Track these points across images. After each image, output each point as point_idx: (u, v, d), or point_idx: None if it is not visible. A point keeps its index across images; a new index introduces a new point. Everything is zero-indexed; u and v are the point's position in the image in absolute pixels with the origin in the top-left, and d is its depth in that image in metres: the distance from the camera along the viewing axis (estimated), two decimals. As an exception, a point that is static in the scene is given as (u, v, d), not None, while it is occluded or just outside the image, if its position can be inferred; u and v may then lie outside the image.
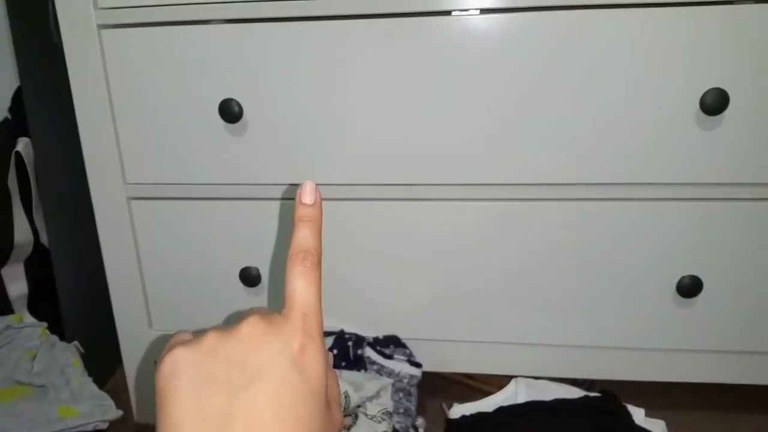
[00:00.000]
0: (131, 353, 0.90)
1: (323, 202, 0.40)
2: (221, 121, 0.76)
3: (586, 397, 0.74)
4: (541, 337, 0.82)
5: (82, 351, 0.80)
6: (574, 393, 0.75)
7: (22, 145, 0.84)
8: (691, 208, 0.74)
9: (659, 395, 0.85)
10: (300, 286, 0.34)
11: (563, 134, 0.72)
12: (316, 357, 0.31)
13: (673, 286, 0.77)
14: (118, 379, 0.93)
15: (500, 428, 0.72)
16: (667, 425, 0.74)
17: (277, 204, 0.80)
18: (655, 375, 0.81)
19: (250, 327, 0.31)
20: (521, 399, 0.75)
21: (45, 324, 0.80)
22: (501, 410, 0.73)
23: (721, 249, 0.75)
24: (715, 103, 0.68)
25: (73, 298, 0.92)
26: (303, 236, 0.36)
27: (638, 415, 0.72)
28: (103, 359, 0.80)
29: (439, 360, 0.85)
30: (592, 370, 0.82)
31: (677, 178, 0.73)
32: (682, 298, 0.77)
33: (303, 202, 0.38)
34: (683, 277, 0.76)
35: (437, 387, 0.96)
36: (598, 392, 0.76)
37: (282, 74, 0.74)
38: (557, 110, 0.71)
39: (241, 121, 0.76)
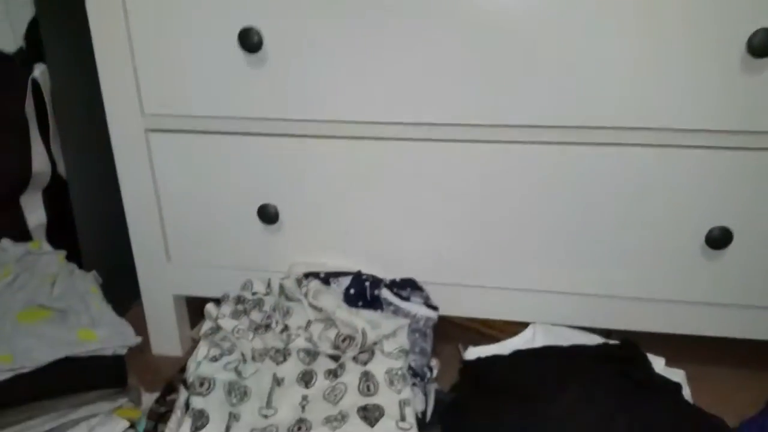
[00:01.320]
0: (149, 286, 0.90)
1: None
2: (241, 52, 0.74)
3: (605, 344, 0.73)
4: (560, 285, 0.81)
5: (101, 281, 0.80)
6: (593, 340, 0.74)
7: (39, 71, 0.82)
8: (724, 157, 0.71)
9: (681, 349, 0.83)
10: None
11: (595, 73, 0.69)
12: None
13: (702, 238, 0.75)
14: (135, 313, 0.94)
15: (516, 371, 0.71)
16: (687, 377, 0.73)
17: (297, 140, 0.79)
18: (678, 327, 0.80)
19: None
20: (538, 344, 0.74)
21: (64, 252, 0.80)
22: (517, 353, 0.73)
23: (753, 200, 0.72)
24: (764, 45, 0.64)
25: (91, 229, 0.92)
26: None
27: (658, 364, 0.71)
28: (120, 292, 0.80)
29: (456, 305, 0.85)
30: (612, 320, 0.81)
31: (711, 125, 0.69)
32: (710, 250, 0.75)
33: None
34: (713, 229, 0.74)
35: (452, 334, 0.96)
36: (617, 340, 0.75)
37: (303, 1, 0.71)
38: (588, 48, 0.68)
39: (261, 51, 0.74)
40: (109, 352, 0.69)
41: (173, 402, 0.74)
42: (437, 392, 0.80)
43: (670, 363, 0.74)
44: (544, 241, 0.78)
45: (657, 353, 0.75)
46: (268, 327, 0.78)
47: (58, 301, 0.72)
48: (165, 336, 0.93)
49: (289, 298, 0.81)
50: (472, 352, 0.76)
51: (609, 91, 0.69)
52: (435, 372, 0.82)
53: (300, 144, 0.79)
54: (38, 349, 0.65)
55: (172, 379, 0.79)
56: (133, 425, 0.70)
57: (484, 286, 0.83)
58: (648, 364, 0.70)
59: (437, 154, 0.76)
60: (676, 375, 0.71)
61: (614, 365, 0.69)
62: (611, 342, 0.74)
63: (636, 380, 0.66)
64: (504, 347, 0.75)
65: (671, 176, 0.73)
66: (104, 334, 0.69)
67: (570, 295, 0.81)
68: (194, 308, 0.95)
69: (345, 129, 0.77)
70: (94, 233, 0.92)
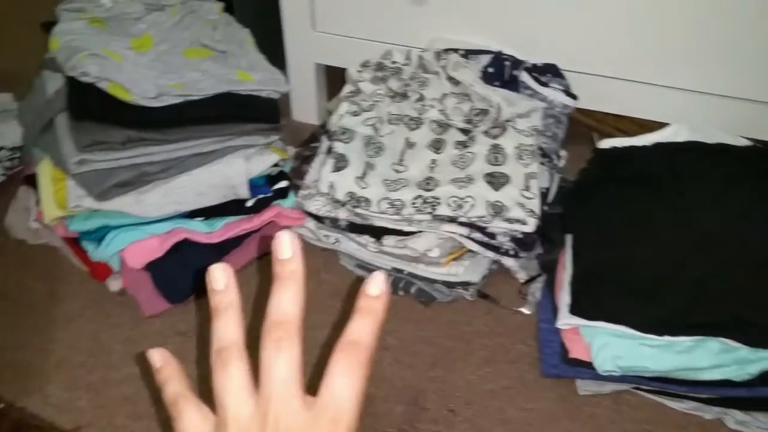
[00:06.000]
0: (294, 52, 0.94)
1: None
2: None
3: (754, 145, 0.69)
4: (711, 86, 0.75)
5: (253, 39, 0.84)
6: (741, 142, 0.70)
7: None
8: None
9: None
10: (340, 384, 0.29)
11: None
12: None
13: None
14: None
15: (651, 160, 0.70)
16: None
17: None
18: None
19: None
20: (681, 140, 0.71)
21: (222, 3, 0.84)
22: (657, 145, 0.71)
23: None
24: None
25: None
26: (359, 329, 0.30)
27: (811, 171, 0.67)
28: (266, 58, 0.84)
29: (596, 97, 0.82)
30: (765, 131, 0.76)
31: None
32: None
33: (367, 293, 0.31)
34: None
35: (582, 133, 0.94)
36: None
37: None
38: None
39: None
40: (264, 94, 0.75)
41: (316, 148, 0.80)
42: (561, 180, 0.81)
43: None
44: (701, 35, 0.72)
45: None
46: (404, 96, 0.81)
47: (219, 43, 0.78)
48: (305, 103, 0.99)
49: (426, 71, 0.83)
50: (608, 142, 0.75)
51: None
52: (562, 162, 0.83)
53: None
54: (203, 81, 0.72)
55: (314, 132, 0.86)
56: (277, 164, 0.77)
57: (629, 79, 0.79)
58: (800, 168, 0.66)
59: None
60: (830, 185, 0.67)
61: (761, 166, 0.66)
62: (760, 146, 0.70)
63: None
64: (643, 140, 0.73)
65: None
66: (260, 77, 0.75)
67: (723, 98, 0.75)
68: (332, 83, 0.99)
69: None
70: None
